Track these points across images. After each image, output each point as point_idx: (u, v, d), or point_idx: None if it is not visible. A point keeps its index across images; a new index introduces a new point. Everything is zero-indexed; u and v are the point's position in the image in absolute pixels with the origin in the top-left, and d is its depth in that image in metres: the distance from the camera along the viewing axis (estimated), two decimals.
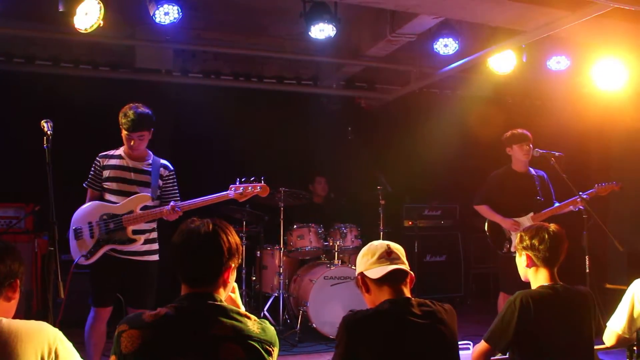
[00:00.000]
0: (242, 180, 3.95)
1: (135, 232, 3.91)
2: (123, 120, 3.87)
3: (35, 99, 6.00)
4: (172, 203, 3.88)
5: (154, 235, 4.06)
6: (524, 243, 2.81)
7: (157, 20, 4.64)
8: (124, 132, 3.89)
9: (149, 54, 6.71)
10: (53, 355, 1.87)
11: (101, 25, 4.33)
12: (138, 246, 3.92)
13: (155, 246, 4.06)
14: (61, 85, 6.16)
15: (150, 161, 4.05)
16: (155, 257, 4.05)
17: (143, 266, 3.97)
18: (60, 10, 4.36)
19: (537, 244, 2.76)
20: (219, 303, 1.90)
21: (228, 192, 3.92)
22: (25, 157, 5.65)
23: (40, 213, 5.59)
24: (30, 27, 5.85)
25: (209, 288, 1.92)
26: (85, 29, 4.37)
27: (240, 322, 1.85)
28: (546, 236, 2.75)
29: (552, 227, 2.80)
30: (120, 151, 4.04)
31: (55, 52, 6.44)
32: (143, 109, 3.90)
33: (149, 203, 3.95)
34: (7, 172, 6.03)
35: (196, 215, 2.11)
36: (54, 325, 1.96)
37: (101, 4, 4.30)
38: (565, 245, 2.79)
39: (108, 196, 3.98)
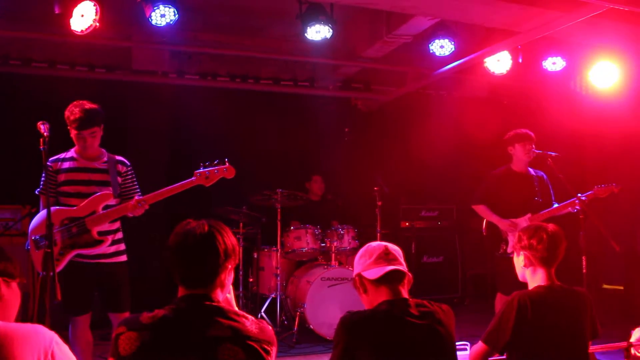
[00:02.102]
0: (206, 164, 3.79)
1: (100, 233, 3.73)
2: (71, 119, 3.67)
3: (32, 101, 5.99)
4: (136, 197, 3.77)
5: (120, 235, 3.92)
6: (522, 243, 2.82)
7: (153, 22, 4.63)
8: (74, 132, 3.72)
9: (145, 55, 6.71)
10: (50, 358, 1.86)
11: (97, 26, 4.33)
12: (105, 248, 3.77)
13: (123, 246, 3.92)
14: (57, 87, 6.15)
15: (105, 159, 3.87)
16: (124, 258, 3.91)
17: (113, 268, 3.82)
18: (57, 12, 4.37)
19: (535, 244, 2.76)
20: (216, 304, 1.90)
21: (192, 178, 3.77)
22: (22, 159, 5.67)
23: (36, 214, 5.57)
24: (27, 29, 5.83)
25: (206, 289, 1.92)
26: (82, 31, 4.37)
27: (238, 322, 1.85)
28: (544, 236, 2.75)
29: (551, 227, 2.80)
30: (71, 153, 3.85)
31: (51, 54, 6.42)
32: (90, 105, 3.74)
33: (111, 202, 3.80)
34: (4, 173, 6.03)
35: (192, 213, 2.11)
36: (50, 328, 1.96)
37: (97, 6, 4.30)
38: (563, 246, 2.79)
39: (65, 201, 3.77)
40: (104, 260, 3.79)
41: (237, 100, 7.16)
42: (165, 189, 3.76)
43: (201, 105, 6.68)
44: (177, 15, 4.63)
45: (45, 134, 3.24)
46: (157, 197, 3.75)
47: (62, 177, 3.79)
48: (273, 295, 5.92)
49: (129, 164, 3.98)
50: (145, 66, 6.73)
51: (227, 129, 6.84)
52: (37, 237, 3.65)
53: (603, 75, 5.98)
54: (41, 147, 3.22)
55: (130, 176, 3.96)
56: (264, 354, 1.84)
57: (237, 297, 5.86)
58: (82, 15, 4.35)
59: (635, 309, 6.21)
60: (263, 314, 5.93)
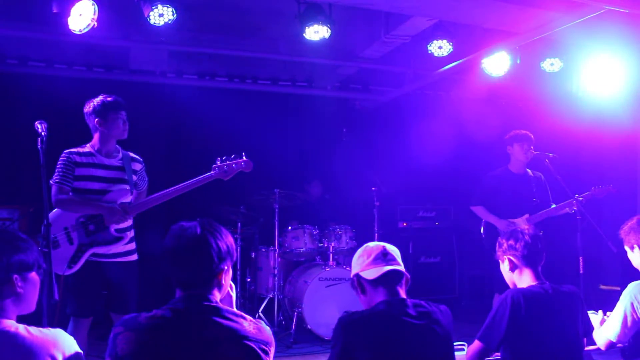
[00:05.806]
0: (223, 158, 3.82)
1: (118, 230, 3.73)
2: (107, 103, 3.71)
3: (29, 101, 5.97)
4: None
5: (133, 233, 3.88)
6: (503, 247, 2.91)
7: (152, 21, 4.62)
8: (112, 116, 3.72)
9: (143, 55, 6.69)
10: None
11: (95, 26, 4.32)
12: (122, 246, 3.75)
13: (134, 245, 3.88)
14: (55, 86, 6.13)
15: (120, 156, 3.85)
16: (136, 257, 3.87)
17: (126, 267, 3.77)
18: (54, 11, 4.36)
19: (514, 244, 2.85)
20: (214, 304, 1.89)
21: (211, 172, 3.78)
22: (19, 159, 5.66)
23: (34, 214, 5.56)
24: (24, 28, 5.81)
25: (203, 290, 1.92)
26: (80, 30, 4.36)
27: (236, 322, 1.85)
28: (521, 235, 2.84)
29: (527, 228, 2.91)
30: (88, 148, 3.79)
31: (49, 54, 6.41)
32: None
33: (126, 199, 3.79)
34: (1, 173, 6.01)
35: (190, 212, 2.10)
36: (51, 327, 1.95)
37: (95, 5, 4.29)
38: (543, 246, 2.85)
39: (79, 196, 3.72)
40: (118, 260, 3.75)
41: (236, 100, 7.16)
42: (184, 183, 3.77)
43: (199, 105, 6.67)
44: (175, 15, 4.62)
45: (42, 133, 3.23)
46: (177, 192, 3.76)
47: (78, 171, 3.72)
48: (271, 295, 5.92)
49: (142, 160, 3.99)
50: (144, 66, 6.72)
51: (225, 129, 6.82)
52: (52, 236, 3.56)
53: (601, 76, 5.98)
54: (38, 147, 3.21)
55: (143, 174, 3.99)
56: (261, 354, 1.84)
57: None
58: (80, 15, 4.34)
59: None
60: (260, 314, 5.92)
